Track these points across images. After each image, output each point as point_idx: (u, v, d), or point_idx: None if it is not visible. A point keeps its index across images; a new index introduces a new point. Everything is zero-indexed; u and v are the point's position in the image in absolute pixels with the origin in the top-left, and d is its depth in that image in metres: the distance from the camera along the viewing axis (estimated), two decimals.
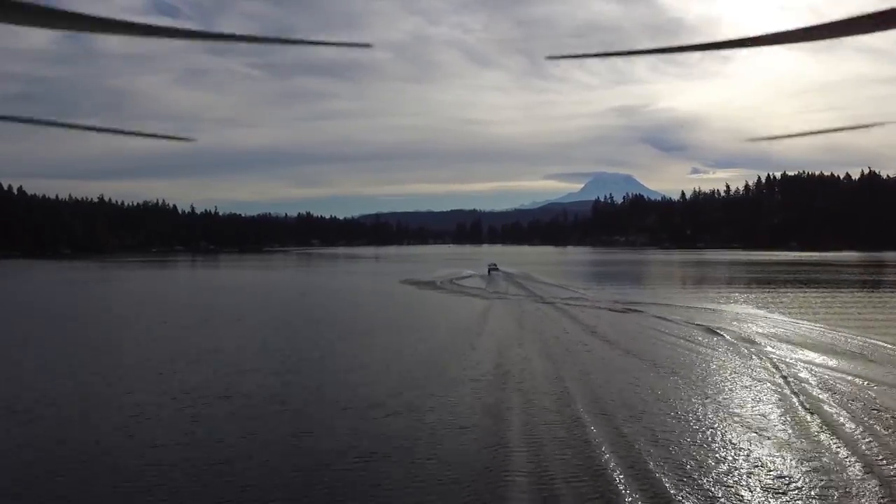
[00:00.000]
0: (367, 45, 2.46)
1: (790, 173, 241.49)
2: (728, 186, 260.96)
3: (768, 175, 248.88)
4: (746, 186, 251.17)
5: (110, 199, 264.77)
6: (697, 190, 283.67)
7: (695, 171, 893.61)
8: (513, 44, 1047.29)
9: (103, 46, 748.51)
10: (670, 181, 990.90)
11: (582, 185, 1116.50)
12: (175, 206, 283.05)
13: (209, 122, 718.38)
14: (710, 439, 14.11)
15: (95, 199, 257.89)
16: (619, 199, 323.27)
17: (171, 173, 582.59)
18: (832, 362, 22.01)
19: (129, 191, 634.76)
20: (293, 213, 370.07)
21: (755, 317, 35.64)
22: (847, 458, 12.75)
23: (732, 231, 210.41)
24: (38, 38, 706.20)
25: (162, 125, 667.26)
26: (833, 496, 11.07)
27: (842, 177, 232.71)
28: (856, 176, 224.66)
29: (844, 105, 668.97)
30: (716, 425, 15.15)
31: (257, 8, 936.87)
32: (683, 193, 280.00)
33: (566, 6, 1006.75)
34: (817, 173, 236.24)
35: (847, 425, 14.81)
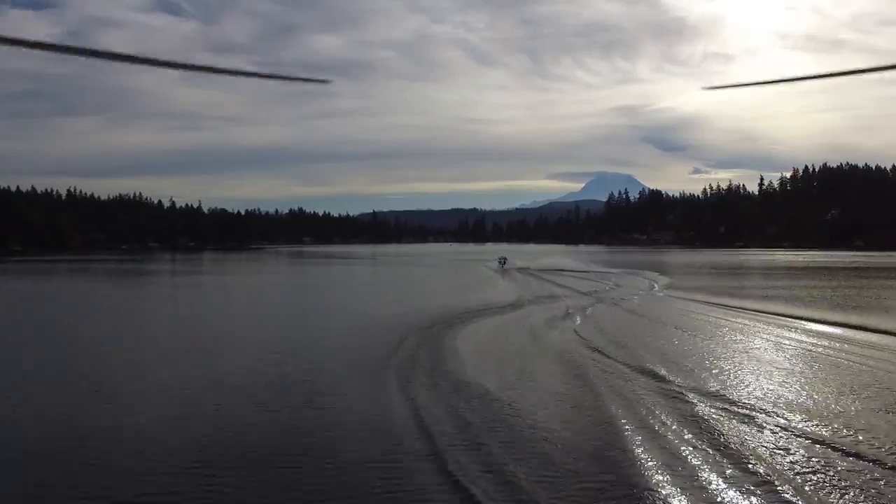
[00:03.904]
0: (326, 82, 2.56)
1: (831, 165, 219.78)
2: (762, 179, 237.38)
3: (805, 167, 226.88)
4: (781, 181, 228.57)
5: (81, 192, 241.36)
6: (723, 187, 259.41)
7: (696, 170, 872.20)
8: (516, 43, 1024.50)
9: (106, 45, 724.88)
10: (671, 181, 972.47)
11: (582, 185, 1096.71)
12: (160, 201, 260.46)
13: (213, 119, 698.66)
14: None
15: (64, 192, 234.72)
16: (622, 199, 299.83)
17: (173, 171, 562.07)
18: None
19: (131, 189, 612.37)
20: (294, 210, 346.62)
21: None
22: None
23: (777, 229, 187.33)
24: (42, 35, 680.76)
25: (167, 123, 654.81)
26: None
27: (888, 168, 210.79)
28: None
29: (848, 105, 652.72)
30: None
31: (261, 6, 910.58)
32: (711, 186, 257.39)
33: (569, 5, 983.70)
34: (862, 165, 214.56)
35: None
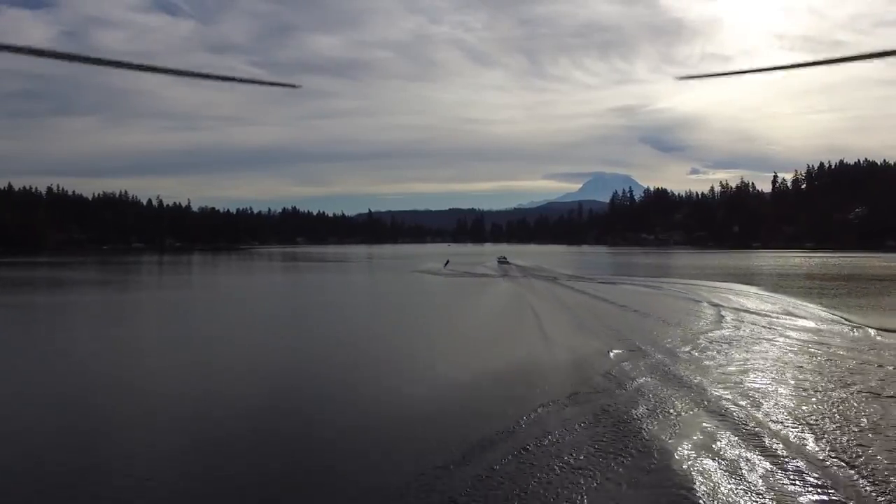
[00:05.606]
0: (296, 87, 2.31)
1: (848, 161, 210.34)
2: (776, 176, 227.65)
3: (820, 163, 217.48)
4: (795, 179, 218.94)
5: (63, 190, 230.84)
6: (731, 185, 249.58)
7: (694, 171, 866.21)
8: (514, 43, 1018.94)
9: (104, 45, 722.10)
10: (669, 181, 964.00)
11: (580, 185, 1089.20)
12: (150, 200, 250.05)
13: (211, 119, 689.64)
14: None
15: (44, 190, 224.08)
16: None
17: (171, 171, 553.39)
18: None
19: (129, 189, 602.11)
20: (288, 209, 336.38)
21: None
22: None
23: (797, 229, 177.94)
24: (38, 35, 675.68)
25: (164, 122, 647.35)
26: None
27: None
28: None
29: (846, 106, 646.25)
30: None
31: (259, 6, 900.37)
32: (722, 184, 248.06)
33: (567, 5, 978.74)
34: (880, 161, 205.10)
35: None
